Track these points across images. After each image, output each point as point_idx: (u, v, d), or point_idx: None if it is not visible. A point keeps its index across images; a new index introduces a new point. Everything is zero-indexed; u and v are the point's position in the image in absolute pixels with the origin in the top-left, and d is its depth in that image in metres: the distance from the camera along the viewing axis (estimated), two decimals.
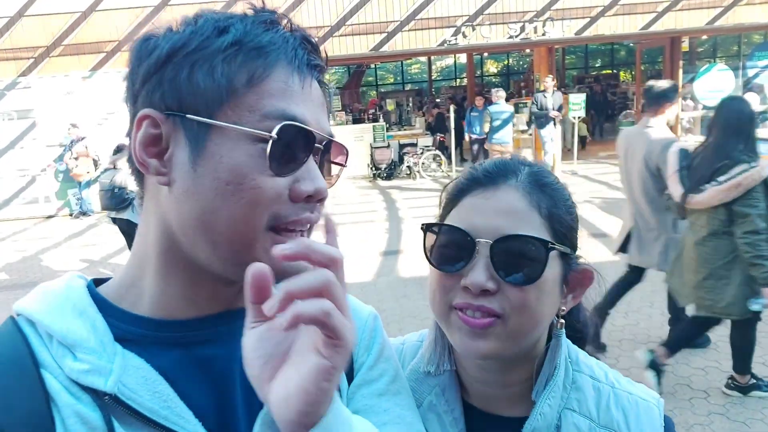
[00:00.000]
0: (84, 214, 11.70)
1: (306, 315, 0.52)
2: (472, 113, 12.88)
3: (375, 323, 0.85)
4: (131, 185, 6.07)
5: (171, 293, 0.68)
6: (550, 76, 12.21)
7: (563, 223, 0.86)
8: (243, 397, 0.69)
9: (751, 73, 13.90)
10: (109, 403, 0.60)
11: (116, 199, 6.09)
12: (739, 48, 20.83)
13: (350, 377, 0.79)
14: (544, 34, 12.15)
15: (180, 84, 0.62)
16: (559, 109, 11.47)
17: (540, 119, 11.49)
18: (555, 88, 11.72)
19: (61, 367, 0.61)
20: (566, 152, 14.28)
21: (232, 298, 0.71)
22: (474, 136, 12.80)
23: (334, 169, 0.74)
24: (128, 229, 6.34)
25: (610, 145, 15.52)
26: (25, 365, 0.61)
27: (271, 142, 0.61)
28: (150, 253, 0.69)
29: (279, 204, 0.62)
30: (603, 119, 17.01)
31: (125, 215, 6.20)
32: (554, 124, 11.51)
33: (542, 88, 11.87)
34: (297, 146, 0.63)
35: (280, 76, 0.63)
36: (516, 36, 12.22)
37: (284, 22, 0.67)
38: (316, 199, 0.65)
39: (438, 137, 14.39)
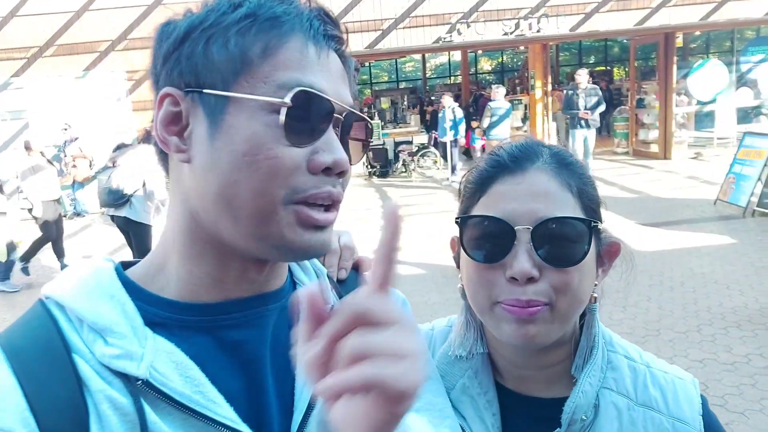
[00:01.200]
0: (78, 214, 11.65)
1: (351, 387, 0.45)
2: (440, 114, 12.49)
3: (404, 308, 0.83)
4: (128, 187, 6.02)
5: (198, 274, 0.67)
6: (584, 69, 11.41)
7: (593, 199, 0.86)
8: (274, 381, 0.68)
9: (744, 68, 13.95)
10: (140, 388, 0.60)
11: (114, 196, 6.02)
12: (733, 43, 20.86)
13: None
14: (538, 31, 12.15)
15: (196, 59, 0.62)
16: (595, 107, 10.29)
17: (572, 120, 10.51)
18: (590, 82, 10.73)
19: (92, 351, 0.60)
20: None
21: (261, 279, 0.69)
22: (440, 139, 12.36)
23: (357, 145, 0.71)
24: (126, 227, 6.27)
25: (607, 142, 15.62)
26: (56, 350, 0.60)
27: (285, 109, 0.60)
28: (176, 234, 0.68)
29: (297, 176, 0.61)
30: (604, 116, 16.98)
31: (123, 212, 6.13)
32: (587, 126, 10.41)
33: (576, 83, 10.70)
34: (314, 115, 0.62)
35: (295, 45, 0.62)
36: (511, 33, 12.22)
37: None
38: (335, 171, 0.63)
39: (433, 135, 14.39)
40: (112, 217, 6.31)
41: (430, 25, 12.18)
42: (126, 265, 0.72)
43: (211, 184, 0.62)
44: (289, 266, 0.77)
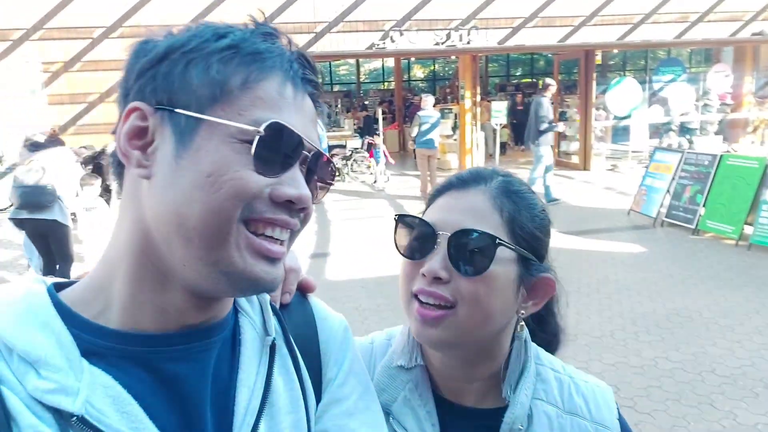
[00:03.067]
0: None
1: None
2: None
3: (345, 334, 0.84)
4: (59, 189, 5.69)
5: (141, 300, 0.65)
6: (550, 79, 11.12)
7: (524, 228, 0.93)
8: (214, 419, 0.67)
9: (656, 86, 14.93)
10: (73, 424, 0.57)
11: (47, 197, 5.58)
12: (646, 62, 22.29)
13: (318, 392, 0.78)
14: (468, 42, 12.49)
15: (173, 79, 0.62)
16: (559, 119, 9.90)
17: (544, 133, 10.03)
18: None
19: (23, 384, 0.57)
20: (488, 158, 14.75)
21: (205, 311, 0.68)
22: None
23: (320, 187, 0.73)
24: (47, 230, 5.80)
25: (529, 153, 16.23)
26: None
27: (257, 138, 0.61)
28: (122, 255, 0.65)
29: (257, 201, 0.62)
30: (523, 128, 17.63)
31: (49, 215, 5.67)
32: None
33: (546, 92, 10.20)
34: (284, 149, 0.63)
35: (274, 83, 0.64)
36: (442, 43, 12.50)
37: (283, 38, 0.69)
38: (298, 206, 0.64)
39: (367, 140, 14.46)
40: (23, 221, 5.77)
41: (364, 31, 12.25)
42: (58, 286, 0.68)
43: (168, 202, 0.61)
44: None
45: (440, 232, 0.89)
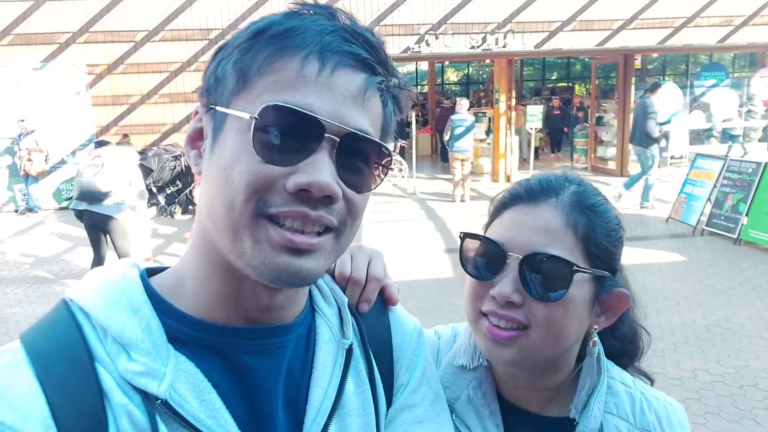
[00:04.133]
0: (30, 210, 11.23)
1: None
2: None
3: (419, 340, 0.83)
4: (117, 186, 5.90)
5: (209, 290, 0.66)
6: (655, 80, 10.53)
7: (599, 245, 0.87)
8: (284, 413, 0.68)
9: (698, 91, 14.56)
10: (158, 407, 0.59)
11: (101, 190, 5.86)
12: (687, 67, 21.75)
13: (389, 397, 0.77)
14: (504, 46, 12.40)
15: (212, 77, 0.65)
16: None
17: (653, 137, 9.45)
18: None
19: (115, 364, 0.60)
20: (522, 162, 14.59)
21: (276, 305, 0.67)
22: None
23: (378, 171, 0.67)
24: (103, 224, 6.05)
25: (566, 157, 16.02)
26: (80, 358, 0.59)
27: (253, 123, 0.58)
28: (192, 248, 0.68)
29: (271, 193, 0.59)
30: (558, 134, 17.31)
31: (102, 209, 5.95)
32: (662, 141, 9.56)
33: (655, 93, 9.73)
34: (295, 133, 0.59)
35: (293, 62, 0.60)
36: (477, 47, 12.43)
37: (340, 15, 0.64)
38: (315, 194, 0.59)
39: (399, 143, 14.47)
40: (81, 212, 6.05)
41: (400, 35, 12.28)
42: (150, 272, 0.71)
43: (204, 196, 0.64)
44: (309, 290, 0.76)
45: (510, 254, 0.85)
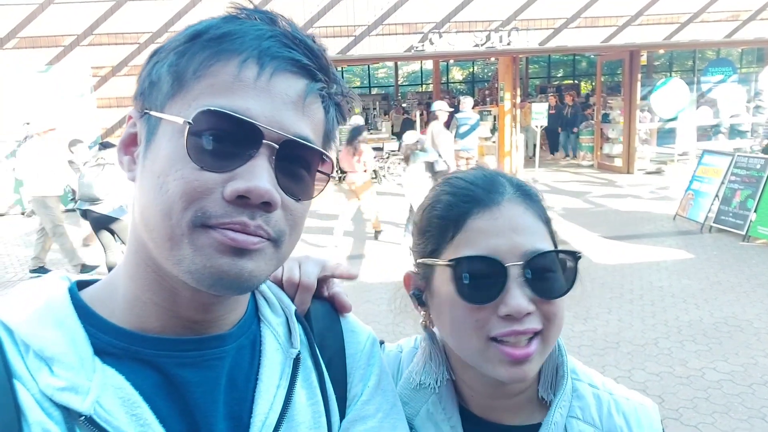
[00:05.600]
0: (35, 212, 11.29)
1: None
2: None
3: (372, 349, 0.81)
4: (117, 187, 6.07)
5: (143, 300, 0.63)
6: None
7: (552, 228, 0.87)
8: (227, 428, 0.65)
9: (705, 87, 14.44)
10: (81, 424, 0.56)
11: (99, 191, 6.11)
12: (694, 63, 21.60)
13: (343, 408, 0.75)
14: (509, 44, 12.33)
15: (143, 81, 0.63)
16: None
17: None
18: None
19: (35, 380, 0.57)
20: (528, 160, 14.54)
21: (208, 313, 0.65)
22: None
23: (319, 179, 0.65)
24: (104, 223, 6.35)
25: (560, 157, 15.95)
26: None
27: (187, 129, 0.57)
28: (126, 256, 0.66)
29: (208, 201, 0.57)
30: (555, 135, 17.08)
31: (102, 209, 6.21)
32: None
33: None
34: (232, 139, 0.57)
35: (231, 66, 0.58)
36: (481, 44, 12.38)
37: (281, 20, 0.63)
38: (254, 201, 0.57)
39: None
40: (85, 211, 6.27)
41: (403, 34, 12.24)
42: (82, 284, 0.68)
43: (138, 204, 0.61)
44: (255, 300, 0.74)
45: (508, 264, 0.77)
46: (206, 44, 0.60)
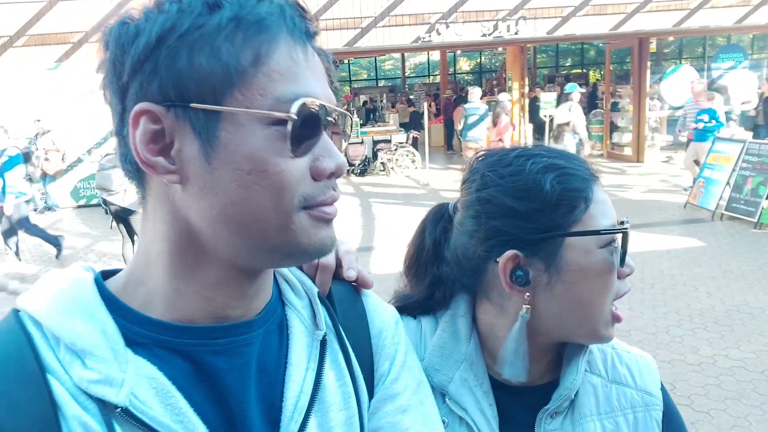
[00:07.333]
0: (49, 209, 11.40)
1: None
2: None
3: (397, 327, 0.81)
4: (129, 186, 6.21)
5: (187, 293, 0.63)
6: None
7: None
8: (260, 414, 0.65)
9: (715, 74, 14.29)
10: (117, 416, 0.56)
11: (111, 181, 6.33)
12: (704, 50, 21.35)
13: (371, 388, 0.75)
14: (516, 33, 12.26)
15: (180, 71, 0.56)
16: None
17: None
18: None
19: (69, 374, 0.56)
20: None
21: (245, 301, 0.66)
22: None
23: (337, 138, 0.68)
24: (122, 214, 6.56)
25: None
26: (30, 369, 0.56)
27: (290, 123, 0.57)
28: (161, 254, 0.63)
29: (304, 185, 0.60)
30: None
31: (117, 200, 6.41)
32: None
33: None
34: (313, 124, 0.60)
35: (285, 51, 0.59)
36: (489, 34, 12.31)
37: None
38: (337, 175, 0.63)
39: (411, 134, 14.43)
40: (105, 201, 6.51)
41: (410, 25, 12.20)
42: (105, 275, 0.67)
43: (214, 204, 0.58)
44: (278, 284, 0.74)
45: (625, 229, 0.88)
46: (255, 28, 0.57)
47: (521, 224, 0.87)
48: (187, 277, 0.63)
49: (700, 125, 9.49)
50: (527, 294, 0.88)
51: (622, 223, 0.88)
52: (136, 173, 0.63)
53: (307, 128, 0.59)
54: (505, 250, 0.88)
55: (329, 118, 0.62)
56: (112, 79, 0.60)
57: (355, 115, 15.81)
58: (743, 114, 13.21)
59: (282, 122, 0.57)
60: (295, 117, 0.57)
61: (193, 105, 0.57)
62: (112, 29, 0.60)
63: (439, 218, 1.03)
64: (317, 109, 0.60)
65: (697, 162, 9.43)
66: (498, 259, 0.88)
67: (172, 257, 0.63)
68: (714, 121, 9.41)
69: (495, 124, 8.43)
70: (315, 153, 0.61)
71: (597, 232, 0.86)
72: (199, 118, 0.57)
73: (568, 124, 7.94)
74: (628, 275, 0.90)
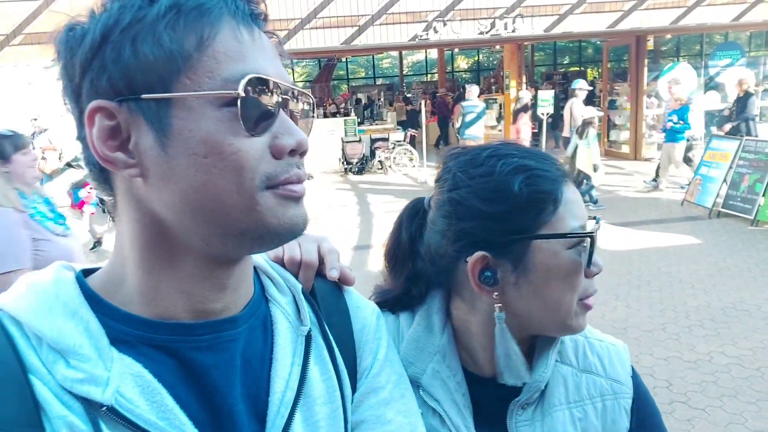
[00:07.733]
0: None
1: None
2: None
3: (378, 322, 0.82)
4: None
5: (165, 289, 0.63)
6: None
7: None
8: (246, 409, 0.65)
9: (712, 72, 14.29)
10: (103, 414, 0.56)
11: None
12: (702, 47, 21.37)
13: (354, 382, 0.76)
14: (513, 31, 12.25)
15: (126, 63, 0.56)
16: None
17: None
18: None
19: (52, 373, 0.56)
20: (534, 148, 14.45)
21: (231, 294, 0.66)
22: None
23: (303, 121, 0.68)
24: None
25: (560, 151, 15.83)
26: (11, 370, 0.55)
27: (240, 101, 0.57)
28: (134, 251, 0.63)
29: (264, 164, 0.59)
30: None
31: None
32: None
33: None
34: (265, 100, 0.59)
35: (228, 32, 0.58)
36: (486, 32, 12.30)
37: None
38: (299, 152, 0.62)
39: (409, 132, 14.43)
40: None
41: (407, 23, 12.18)
42: (86, 272, 0.66)
43: (175, 192, 0.58)
44: (260, 281, 0.75)
45: (592, 231, 0.88)
46: (195, 14, 0.57)
47: (490, 226, 0.88)
48: (162, 272, 0.62)
49: (669, 125, 9.59)
50: (495, 293, 0.89)
51: (594, 218, 0.90)
52: (101, 174, 0.63)
53: (259, 105, 0.59)
54: (475, 251, 0.88)
55: (284, 96, 0.62)
56: (67, 84, 0.61)
57: (352, 113, 15.79)
58: (719, 114, 13.14)
59: (233, 102, 0.57)
60: (243, 94, 0.57)
61: (143, 96, 0.57)
62: (60, 36, 0.60)
63: (415, 214, 1.04)
64: (268, 86, 0.59)
65: (687, 159, 9.53)
66: (468, 260, 0.89)
67: (144, 253, 0.62)
68: (682, 122, 9.47)
69: (515, 121, 8.65)
70: (274, 132, 0.60)
71: (564, 236, 0.86)
72: (150, 109, 0.57)
73: (591, 121, 8.17)
74: (596, 275, 0.91)
